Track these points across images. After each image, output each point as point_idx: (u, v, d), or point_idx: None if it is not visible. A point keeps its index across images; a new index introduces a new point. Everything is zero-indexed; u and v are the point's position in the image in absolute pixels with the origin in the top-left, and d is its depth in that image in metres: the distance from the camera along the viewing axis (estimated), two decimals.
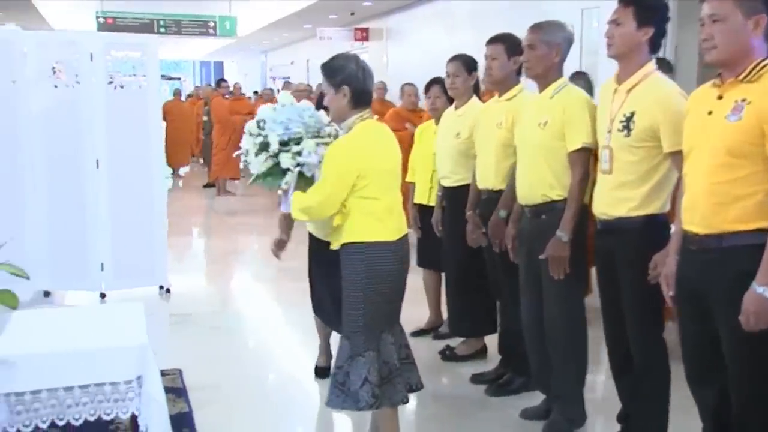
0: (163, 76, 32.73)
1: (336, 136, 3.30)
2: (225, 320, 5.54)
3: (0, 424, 2.55)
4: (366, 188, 2.99)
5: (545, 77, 3.42)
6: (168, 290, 5.92)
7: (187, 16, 16.26)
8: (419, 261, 4.89)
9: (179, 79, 38.01)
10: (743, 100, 2.44)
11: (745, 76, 2.46)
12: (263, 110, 3.38)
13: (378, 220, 3.04)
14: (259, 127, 3.32)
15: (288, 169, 3.23)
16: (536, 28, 3.44)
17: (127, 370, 2.69)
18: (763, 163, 2.41)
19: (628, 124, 2.96)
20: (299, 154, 3.23)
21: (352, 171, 2.97)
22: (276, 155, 3.25)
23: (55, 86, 5.48)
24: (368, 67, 3.11)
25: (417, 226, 4.83)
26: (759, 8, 2.44)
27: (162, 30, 15.80)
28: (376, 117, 3.24)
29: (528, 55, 3.42)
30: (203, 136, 13.94)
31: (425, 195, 4.76)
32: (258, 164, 3.27)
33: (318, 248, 3.78)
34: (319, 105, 3.41)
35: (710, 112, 2.54)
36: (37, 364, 2.62)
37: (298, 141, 3.27)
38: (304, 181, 3.23)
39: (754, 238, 2.42)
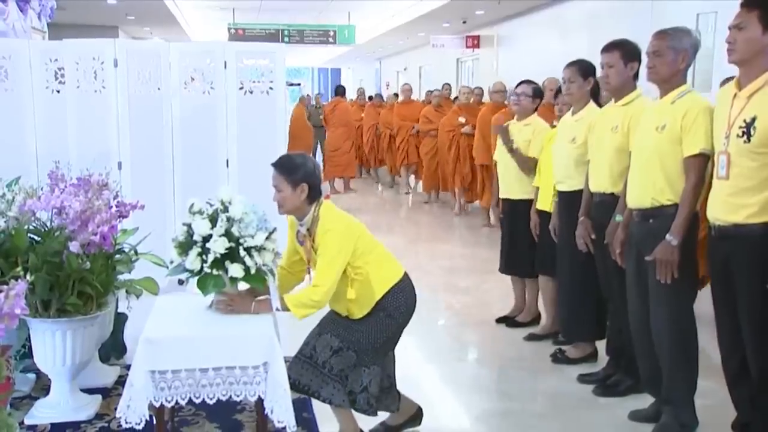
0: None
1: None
2: None
3: (147, 398, 2.69)
4: (365, 245, 3.10)
5: (669, 83, 3.29)
6: None
7: (310, 26, 16.64)
8: (538, 267, 4.77)
9: (299, 84, 38.94)
10: None
11: None
12: (238, 208, 2.99)
13: (391, 261, 3.19)
14: (232, 226, 2.94)
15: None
16: (663, 34, 3.30)
17: (255, 356, 2.78)
18: None
19: (748, 129, 2.83)
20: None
21: (353, 240, 3.05)
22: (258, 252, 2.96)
23: (193, 92, 5.70)
24: (318, 164, 3.18)
25: (536, 233, 4.69)
26: None
27: (286, 39, 16.23)
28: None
29: (654, 61, 3.28)
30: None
31: (548, 201, 4.56)
32: (238, 268, 2.90)
33: (512, 210, 4.90)
34: None
35: None
36: (177, 345, 2.75)
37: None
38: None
39: None
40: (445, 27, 16.62)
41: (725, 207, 2.93)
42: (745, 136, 2.83)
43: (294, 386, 3.11)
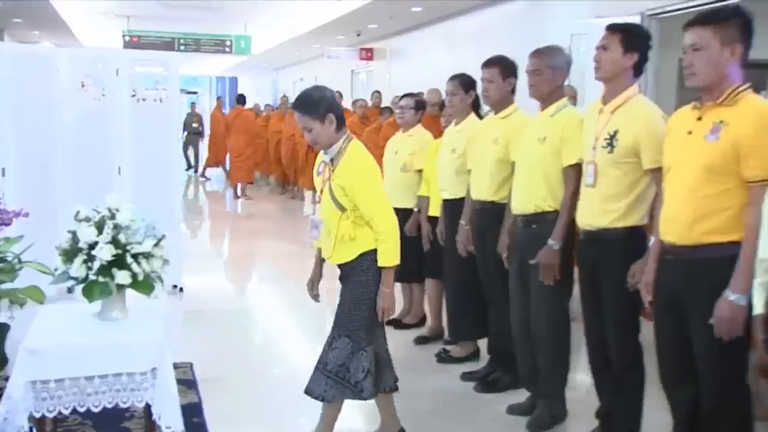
0: (181, 90, 32.87)
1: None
2: (235, 317, 5.54)
3: (26, 409, 2.55)
4: None
5: (549, 97, 3.42)
6: (181, 289, 5.92)
7: (206, 35, 16.33)
8: (426, 271, 4.81)
9: (196, 93, 38.02)
10: (721, 122, 2.46)
11: (723, 100, 2.47)
12: (126, 216, 2.85)
13: None
14: (119, 233, 2.81)
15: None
16: (539, 53, 3.43)
17: (143, 362, 2.69)
18: (738, 180, 2.42)
19: (611, 141, 2.97)
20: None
21: (380, 177, 3.05)
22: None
23: (84, 98, 5.51)
24: (335, 91, 3.16)
25: (429, 239, 4.68)
26: (735, 38, 2.46)
27: (182, 48, 15.90)
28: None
29: (534, 79, 3.41)
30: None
31: (437, 208, 4.59)
32: (125, 275, 2.78)
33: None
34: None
35: (690, 132, 2.55)
36: (61, 354, 2.63)
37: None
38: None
39: (729, 250, 2.42)
40: (340, 39, 16.66)
41: (593, 212, 3.06)
42: (609, 147, 2.97)
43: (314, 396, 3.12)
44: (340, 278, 3.17)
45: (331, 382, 3.06)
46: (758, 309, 2.27)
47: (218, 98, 15.22)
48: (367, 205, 2.95)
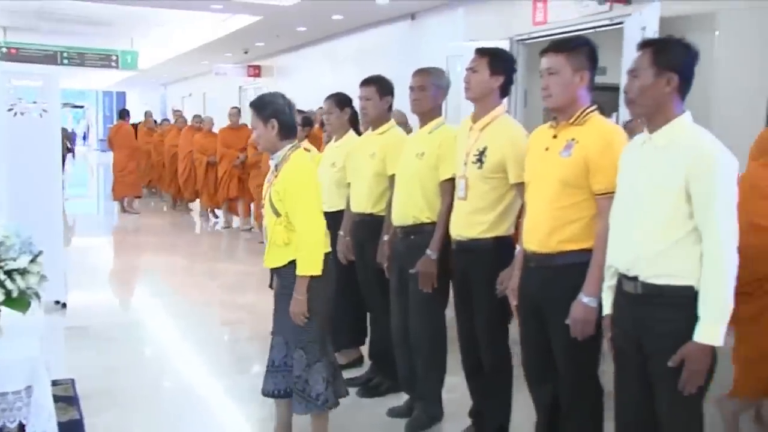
0: (66, 104, 31.17)
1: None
2: (121, 332, 5.33)
3: None
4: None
5: (429, 114, 3.50)
6: (64, 305, 5.64)
7: (91, 49, 15.65)
8: None
9: (82, 107, 36.33)
10: (573, 140, 2.60)
11: (574, 120, 2.62)
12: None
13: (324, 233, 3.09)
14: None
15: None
16: (425, 72, 3.50)
17: (15, 381, 2.54)
18: (589, 192, 2.58)
19: (480, 157, 3.07)
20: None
21: (318, 185, 3.09)
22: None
23: None
24: (293, 103, 3.14)
25: None
26: (583, 65, 2.62)
27: (66, 62, 15.17)
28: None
29: (419, 95, 3.47)
30: None
31: None
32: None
33: None
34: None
35: (547, 149, 2.69)
36: None
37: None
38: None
39: (582, 257, 2.57)
40: (228, 56, 16.45)
41: (464, 224, 3.14)
42: (479, 163, 3.07)
43: (275, 395, 3.12)
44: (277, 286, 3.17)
45: (298, 398, 3.05)
46: (607, 310, 2.43)
47: (146, 113, 14.53)
48: (295, 212, 2.97)
